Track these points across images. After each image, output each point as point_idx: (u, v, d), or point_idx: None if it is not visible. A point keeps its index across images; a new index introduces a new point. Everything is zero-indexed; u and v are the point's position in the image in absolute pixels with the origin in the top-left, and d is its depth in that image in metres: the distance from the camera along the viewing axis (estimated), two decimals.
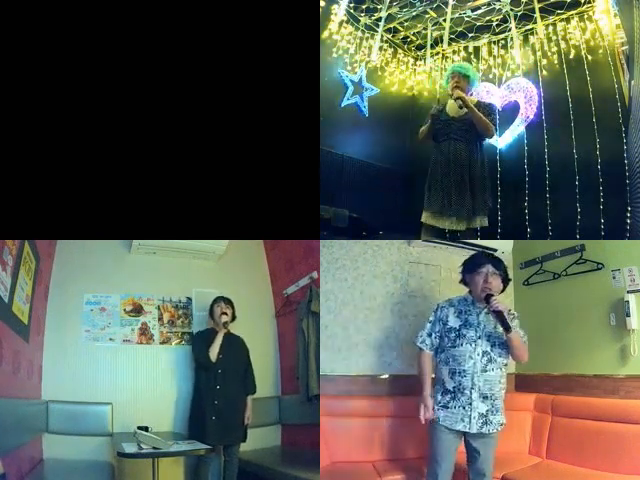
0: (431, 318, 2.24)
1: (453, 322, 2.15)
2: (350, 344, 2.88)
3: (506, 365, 2.13)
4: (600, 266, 2.62)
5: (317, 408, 2.67)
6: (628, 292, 2.44)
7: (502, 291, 2.16)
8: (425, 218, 2.97)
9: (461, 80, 2.83)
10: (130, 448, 2.26)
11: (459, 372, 2.07)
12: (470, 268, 2.17)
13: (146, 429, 2.40)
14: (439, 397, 2.14)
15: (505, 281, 2.16)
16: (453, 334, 2.12)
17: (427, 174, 3.04)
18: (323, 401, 2.68)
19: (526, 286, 3.11)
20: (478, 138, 2.87)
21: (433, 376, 2.23)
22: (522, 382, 3.04)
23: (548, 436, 2.57)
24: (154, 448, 2.26)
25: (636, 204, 3.98)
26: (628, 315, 2.39)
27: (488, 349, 2.07)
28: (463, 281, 2.24)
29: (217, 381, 2.97)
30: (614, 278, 2.54)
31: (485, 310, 2.10)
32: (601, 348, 2.56)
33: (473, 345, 2.07)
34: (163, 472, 2.48)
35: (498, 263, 2.14)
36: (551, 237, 4.86)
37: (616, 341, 2.48)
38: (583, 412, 2.43)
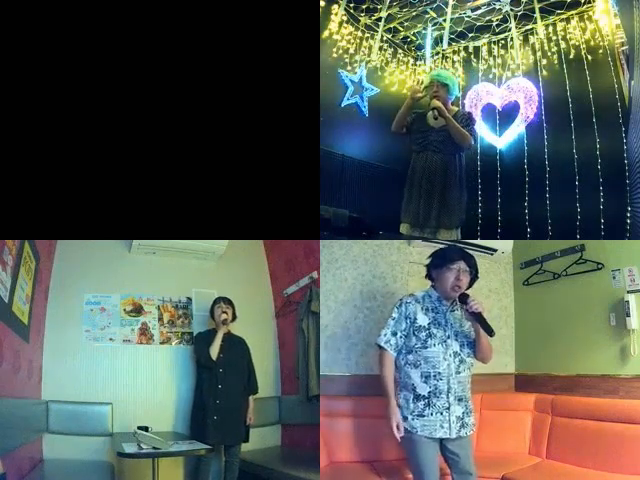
0: (394, 315, 2.04)
1: (422, 320, 2.00)
2: (350, 344, 2.88)
3: (473, 365, 2.05)
4: (600, 266, 2.62)
5: (317, 408, 2.67)
6: (628, 292, 2.43)
7: (467, 288, 2.02)
8: (402, 229, 2.91)
9: (440, 89, 2.73)
10: (130, 448, 2.26)
11: (434, 375, 1.94)
12: (440, 263, 2.03)
13: (146, 429, 2.40)
14: (411, 405, 1.98)
15: (474, 278, 2.04)
16: (423, 333, 1.98)
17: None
18: (323, 401, 2.68)
19: (526, 286, 3.11)
20: (457, 149, 2.77)
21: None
22: (522, 382, 3.04)
23: (548, 436, 2.56)
24: (154, 448, 2.26)
25: (636, 204, 3.98)
26: (628, 315, 2.39)
27: (458, 349, 1.98)
28: (428, 276, 2.11)
29: (219, 381, 2.97)
30: (614, 278, 2.53)
31: (451, 308, 2.02)
32: (601, 348, 2.55)
33: (444, 345, 1.96)
34: (163, 472, 2.48)
35: (470, 259, 2.03)
36: (551, 237, 4.87)
37: (616, 341, 2.47)
38: (583, 412, 2.42)
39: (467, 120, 2.75)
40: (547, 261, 2.98)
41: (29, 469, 2.40)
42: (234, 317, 3.16)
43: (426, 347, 1.97)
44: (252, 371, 3.19)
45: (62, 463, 2.69)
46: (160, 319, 3.43)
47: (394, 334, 2.03)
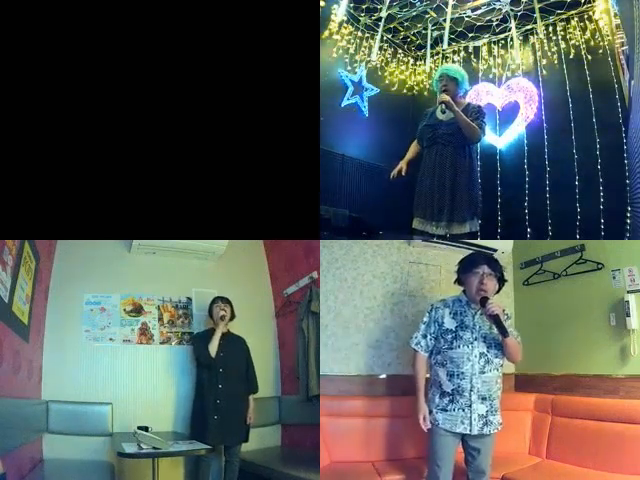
0: (425, 319, 2.20)
1: (449, 323, 2.11)
2: (350, 344, 2.88)
3: (502, 365, 2.12)
4: (600, 266, 2.62)
5: (317, 408, 2.67)
6: (628, 292, 2.43)
7: (497, 292, 2.14)
8: (415, 224, 2.93)
9: (449, 83, 2.74)
10: (130, 448, 2.26)
11: (457, 374, 2.04)
12: (466, 268, 2.14)
13: (146, 429, 2.40)
14: (437, 400, 2.10)
15: (501, 281, 2.13)
16: (450, 336, 2.09)
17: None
18: (323, 401, 2.68)
19: (526, 286, 3.11)
20: (466, 142, 2.77)
21: (427, 376, 2.21)
22: (522, 382, 3.04)
23: (548, 436, 2.57)
24: (154, 448, 2.26)
25: (636, 204, 3.98)
26: (628, 315, 2.39)
27: (485, 350, 2.05)
28: (458, 281, 2.21)
29: (219, 380, 2.97)
30: (614, 278, 2.54)
31: (480, 312, 2.09)
32: (601, 348, 2.55)
33: (470, 347, 2.05)
34: (163, 472, 2.48)
35: (494, 263, 2.12)
36: (551, 237, 4.87)
37: (616, 341, 2.47)
38: (583, 412, 2.42)
39: (477, 113, 2.73)
40: (547, 261, 2.98)
41: (29, 469, 2.40)
42: (233, 316, 3.16)
43: (452, 348, 2.07)
44: (252, 370, 3.18)
45: (62, 463, 2.69)
46: (160, 319, 3.43)
47: (424, 337, 2.18)
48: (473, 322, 2.09)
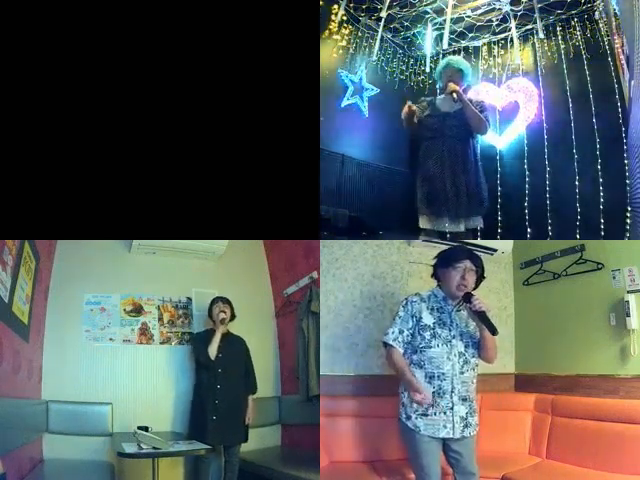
0: (401, 313, 2.03)
1: (427, 319, 2.00)
2: (350, 344, 2.88)
3: (477, 365, 2.05)
4: (600, 266, 2.62)
5: (317, 408, 2.67)
6: (628, 292, 2.43)
7: (474, 288, 2.02)
8: (423, 223, 2.83)
9: (454, 74, 2.72)
10: (130, 448, 2.27)
11: (438, 375, 1.95)
12: (446, 262, 2.03)
13: (146, 429, 2.41)
14: (414, 404, 1.97)
15: (480, 278, 2.03)
16: (428, 333, 1.97)
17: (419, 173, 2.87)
18: (323, 401, 2.68)
19: (526, 286, 3.11)
20: (472, 135, 2.76)
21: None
22: (522, 382, 3.04)
23: (548, 436, 2.57)
24: (154, 448, 2.26)
25: (636, 204, 3.98)
26: (628, 315, 2.39)
27: (463, 350, 1.98)
28: (434, 275, 2.10)
29: (218, 380, 2.97)
30: (614, 278, 2.54)
31: (456, 308, 2.02)
32: (601, 348, 2.55)
33: (449, 346, 1.96)
34: (163, 472, 2.49)
35: (476, 258, 2.02)
36: (551, 237, 4.86)
37: (616, 341, 2.47)
38: (583, 412, 2.42)
39: (481, 107, 2.73)
40: (547, 261, 2.98)
41: (29, 469, 2.39)
42: (233, 316, 3.16)
43: (430, 347, 1.97)
44: (251, 371, 3.19)
45: (62, 463, 2.69)
46: (160, 319, 3.43)
47: (401, 332, 2.01)
48: (450, 319, 2.01)
